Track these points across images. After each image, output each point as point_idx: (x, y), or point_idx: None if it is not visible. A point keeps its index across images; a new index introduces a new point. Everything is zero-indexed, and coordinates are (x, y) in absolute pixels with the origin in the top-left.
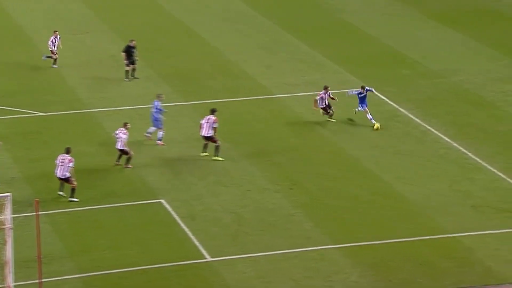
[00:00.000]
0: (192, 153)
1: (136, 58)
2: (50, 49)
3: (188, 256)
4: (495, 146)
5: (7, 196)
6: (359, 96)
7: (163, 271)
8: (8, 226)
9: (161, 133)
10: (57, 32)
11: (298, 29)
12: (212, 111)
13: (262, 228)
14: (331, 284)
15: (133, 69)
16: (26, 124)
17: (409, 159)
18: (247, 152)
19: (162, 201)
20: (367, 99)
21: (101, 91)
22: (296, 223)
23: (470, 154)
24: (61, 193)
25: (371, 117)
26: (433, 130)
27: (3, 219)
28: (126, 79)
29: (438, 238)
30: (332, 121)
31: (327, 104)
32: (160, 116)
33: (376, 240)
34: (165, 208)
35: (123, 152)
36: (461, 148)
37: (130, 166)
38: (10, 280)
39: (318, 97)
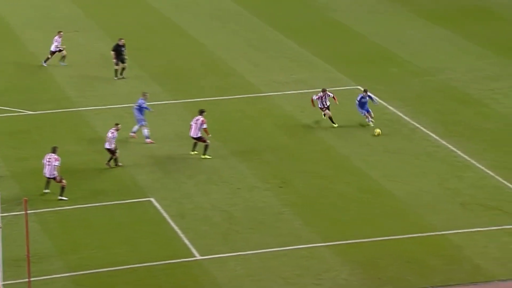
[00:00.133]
0: (182, 152)
1: (125, 57)
2: (54, 49)
3: (177, 254)
4: (483, 144)
5: None
6: (361, 101)
7: (153, 269)
8: None
9: (145, 130)
10: (62, 33)
11: (287, 27)
12: (201, 112)
13: (252, 227)
14: (321, 282)
15: (123, 68)
16: (15, 123)
17: (398, 157)
18: (236, 150)
19: (152, 199)
20: (367, 105)
21: (90, 89)
22: (286, 221)
23: (459, 152)
24: (46, 190)
25: (370, 120)
26: (421, 128)
27: None
28: (115, 78)
29: (426, 235)
30: (332, 125)
31: (327, 105)
32: (140, 113)
33: (365, 238)
34: (155, 207)
35: (109, 151)
36: (449, 146)
37: (120, 164)
38: None
39: (315, 97)
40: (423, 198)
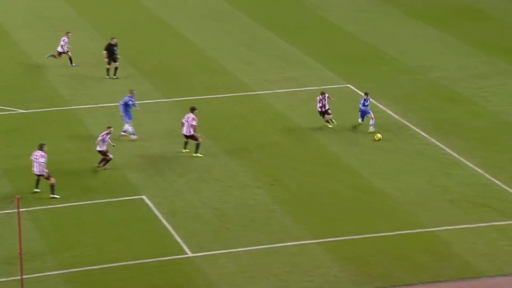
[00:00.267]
0: (174, 150)
1: (117, 56)
2: (60, 50)
3: (169, 252)
4: (472, 142)
5: None
6: (365, 104)
7: (145, 267)
8: None
9: (127, 126)
10: (70, 34)
11: (278, 26)
12: (192, 109)
13: (243, 224)
14: (311, 279)
15: (116, 68)
16: (7, 121)
17: (387, 155)
18: (228, 148)
19: (144, 197)
20: (368, 107)
21: (82, 88)
22: (277, 219)
23: (448, 150)
24: (36, 190)
25: (372, 123)
26: (411, 126)
27: None
28: (107, 77)
29: (416, 232)
30: (329, 126)
31: (326, 109)
32: (124, 110)
33: (355, 235)
34: (147, 204)
35: (100, 153)
36: (438, 144)
37: (108, 167)
38: None
39: (318, 103)
40: (412, 196)
